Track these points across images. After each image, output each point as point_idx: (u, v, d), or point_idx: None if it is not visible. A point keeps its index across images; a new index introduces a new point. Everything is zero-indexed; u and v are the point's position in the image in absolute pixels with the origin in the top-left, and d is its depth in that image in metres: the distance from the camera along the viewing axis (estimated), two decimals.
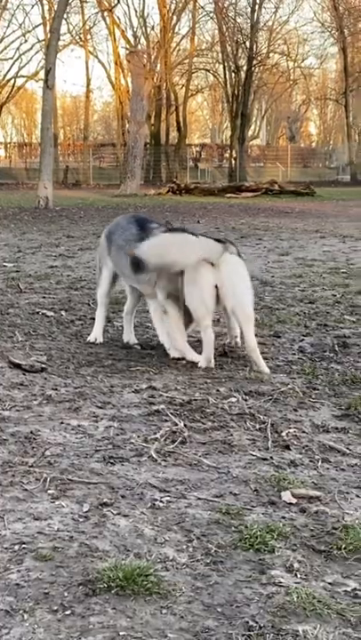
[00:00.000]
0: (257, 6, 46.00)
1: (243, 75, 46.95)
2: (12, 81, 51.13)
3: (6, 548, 2.94)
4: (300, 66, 55.88)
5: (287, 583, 2.75)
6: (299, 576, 2.80)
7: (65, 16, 33.72)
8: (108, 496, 3.41)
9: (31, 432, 4.16)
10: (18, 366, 5.40)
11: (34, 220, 19.89)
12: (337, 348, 6.13)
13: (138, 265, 5.78)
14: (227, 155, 52.56)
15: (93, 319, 7.12)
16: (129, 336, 6.33)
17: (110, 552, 2.92)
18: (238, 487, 3.55)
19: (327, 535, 3.11)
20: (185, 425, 4.31)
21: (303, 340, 6.49)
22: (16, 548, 2.94)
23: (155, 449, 3.96)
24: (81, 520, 3.19)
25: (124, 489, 3.49)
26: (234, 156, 47.73)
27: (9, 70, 50.79)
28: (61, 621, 2.49)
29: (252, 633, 2.45)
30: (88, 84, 53.63)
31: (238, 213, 22.24)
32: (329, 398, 4.92)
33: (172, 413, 4.49)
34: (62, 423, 4.34)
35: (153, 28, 50.47)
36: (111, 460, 3.81)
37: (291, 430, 4.29)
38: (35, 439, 4.07)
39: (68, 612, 2.54)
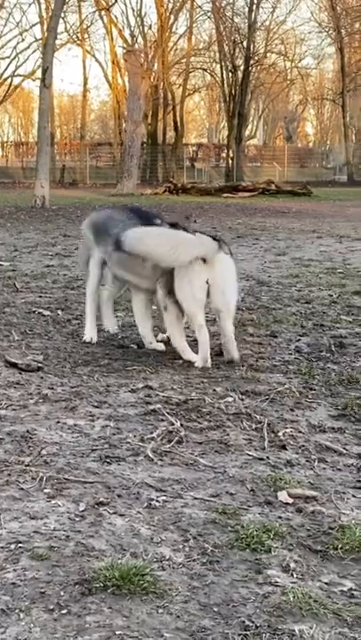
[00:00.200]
0: (254, 6, 46.11)
1: (240, 74, 46.98)
2: (9, 80, 51.14)
3: (2, 548, 2.94)
4: (298, 66, 56.06)
5: (283, 583, 2.75)
6: (295, 576, 2.80)
7: (62, 15, 33.72)
8: (105, 495, 3.40)
9: (27, 431, 4.16)
10: (14, 365, 5.39)
11: (30, 219, 19.88)
12: (333, 348, 6.13)
13: (117, 244, 5.84)
14: (224, 154, 52.58)
15: None
16: (111, 322, 6.49)
17: (106, 551, 2.92)
18: (235, 487, 3.55)
19: (324, 535, 3.11)
20: (181, 424, 4.31)
21: (300, 339, 6.49)
22: (12, 547, 2.94)
23: (151, 448, 3.95)
24: (77, 519, 3.18)
25: (121, 488, 3.49)
26: (231, 155, 47.77)
27: (6, 69, 50.88)
28: (57, 620, 2.49)
29: (248, 632, 2.45)
30: (85, 83, 53.75)
31: (235, 213, 22.25)
32: (325, 398, 4.92)
33: (168, 413, 4.49)
34: (58, 422, 4.34)
35: (150, 28, 50.54)
36: (107, 460, 3.81)
37: (287, 430, 4.29)
38: (31, 438, 4.06)
39: (64, 612, 2.54)
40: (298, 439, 4.19)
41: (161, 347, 6.06)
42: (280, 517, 3.26)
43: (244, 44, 46.59)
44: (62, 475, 3.61)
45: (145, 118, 43.01)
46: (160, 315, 6.08)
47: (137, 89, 33.37)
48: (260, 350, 6.10)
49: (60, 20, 31.70)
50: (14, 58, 49.96)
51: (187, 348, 5.79)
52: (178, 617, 2.54)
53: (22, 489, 3.46)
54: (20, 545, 2.95)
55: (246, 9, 46.39)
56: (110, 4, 44.43)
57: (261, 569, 2.84)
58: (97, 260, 6.23)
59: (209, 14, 48.69)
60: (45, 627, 2.46)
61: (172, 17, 49.29)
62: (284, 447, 4.06)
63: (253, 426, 4.37)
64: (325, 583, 2.78)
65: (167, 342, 6.16)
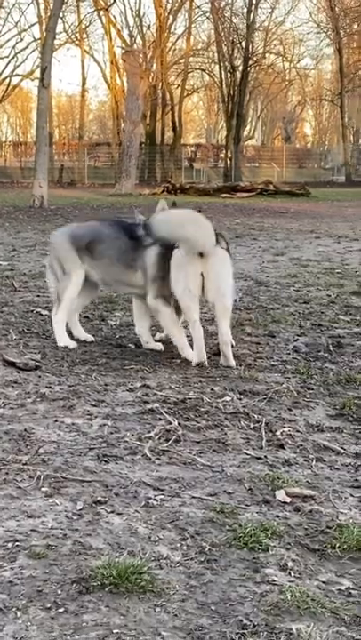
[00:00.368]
0: (253, 6, 46.11)
1: (238, 75, 47.00)
2: (8, 80, 51.09)
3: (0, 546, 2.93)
4: (296, 66, 56.02)
5: (281, 582, 2.75)
6: (293, 575, 2.80)
7: (61, 15, 33.69)
8: (102, 494, 3.40)
9: (25, 430, 4.15)
10: (12, 364, 5.39)
11: (29, 218, 19.87)
12: (331, 348, 6.14)
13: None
14: (222, 155, 52.59)
15: (87, 318, 7.15)
16: (82, 332, 6.42)
17: (104, 550, 2.91)
18: (232, 486, 3.55)
19: (321, 534, 3.11)
20: (179, 423, 4.31)
21: (298, 339, 6.49)
22: (9, 545, 2.93)
23: (149, 447, 3.95)
24: (75, 518, 3.18)
25: (118, 487, 3.48)
26: (229, 156, 47.79)
27: (4, 69, 50.82)
28: (55, 619, 2.49)
29: (245, 631, 2.45)
30: (84, 84, 53.69)
31: (233, 213, 22.25)
32: (323, 398, 4.92)
33: (166, 412, 4.49)
34: (56, 421, 4.33)
35: (149, 28, 50.59)
36: (105, 459, 3.81)
37: (285, 429, 4.29)
38: (28, 437, 4.06)
39: (61, 610, 2.53)
40: (296, 438, 4.19)
41: (159, 346, 6.06)
42: (278, 516, 3.26)
43: (243, 44, 46.62)
44: (60, 473, 3.60)
45: (143, 118, 42.99)
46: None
47: (135, 89, 33.37)
48: (258, 350, 6.10)
49: (59, 20, 31.66)
50: (13, 57, 49.93)
51: (187, 346, 5.80)
52: (175, 615, 2.53)
53: (20, 487, 3.45)
54: (17, 543, 2.95)
55: (245, 9, 46.48)
56: (109, 4, 44.43)
57: (259, 568, 2.84)
58: (80, 273, 6.20)
59: (208, 15, 48.79)
60: (42, 625, 2.45)
61: (171, 17, 49.36)
62: (281, 446, 4.06)
63: (251, 425, 4.36)
64: (323, 582, 2.77)
65: (165, 342, 6.17)
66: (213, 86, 55.39)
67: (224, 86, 48.66)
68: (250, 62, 47.02)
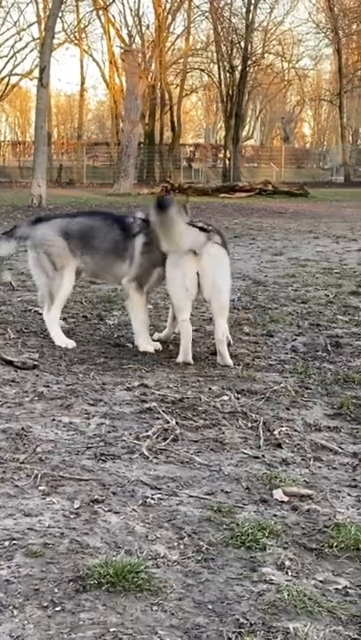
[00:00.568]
0: (252, 6, 46.04)
1: (237, 75, 46.94)
2: (7, 79, 51.02)
3: None
4: (295, 66, 55.96)
5: (278, 581, 2.74)
6: (290, 574, 2.80)
7: (60, 14, 33.63)
8: (100, 493, 3.40)
9: (22, 429, 4.15)
10: (10, 363, 5.38)
11: (27, 218, 19.81)
12: (329, 348, 6.14)
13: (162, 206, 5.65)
14: (221, 155, 52.54)
15: (85, 317, 7.16)
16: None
17: (101, 549, 2.91)
18: (230, 485, 3.55)
19: (319, 533, 3.11)
20: (177, 423, 4.31)
21: (296, 339, 6.49)
22: (6, 544, 2.93)
23: (146, 446, 3.95)
24: (72, 516, 3.18)
25: (116, 486, 3.48)
26: (228, 156, 47.73)
27: (3, 68, 50.70)
28: (51, 617, 2.49)
29: (242, 630, 2.45)
30: (82, 83, 53.58)
31: (232, 213, 22.24)
32: (321, 397, 4.92)
33: (163, 411, 4.49)
34: (54, 420, 4.33)
35: (148, 28, 50.51)
36: (102, 457, 3.81)
37: (283, 429, 4.29)
38: (26, 436, 4.05)
39: (58, 609, 2.53)
40: (293, 438, 4.19)
41: (157, 346, 6.05)
42: (275, 515, 3.26)
43: (242, 44, 46.57)
44: (57, 472, 3.60)
45: (142, 118, 42.96)
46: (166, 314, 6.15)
47: (134, 89, 33.35)
48: (256, 349, 6.10)
49: (58, 20, 31.62)
50: (12, 57, 49.82)
51: (147, 339, 5.99)
52: (172, 614, 2.53)
53: (17, 486, 3.45)
54: (14, 542, 2.95)
55: (244, 9, 46.39)
56: (108, 3, 44.39)
57: (256, 567, 2.84)
58: (73, 268, 6.21)
59: (207, 14, 48.71)
60: (39, 623, 2.45)
61: (170, 17, 49.29)
62: (279, 446, 4.06)
63: (249, 424, 4.36)
64: (320, 581, 2.77)
65: (163, 342, 6.17)
66: (212, 86, 55.34)
67: (223, 86, 48.62)
68: (249, 62, 46.97)
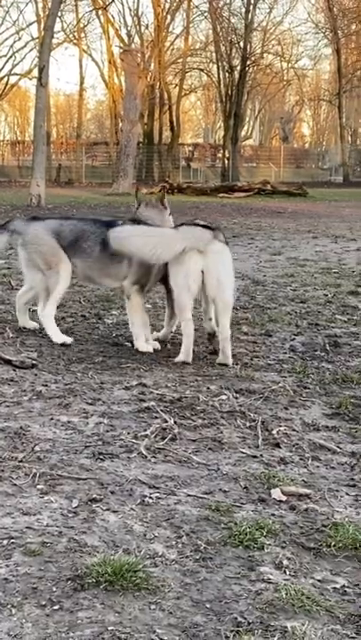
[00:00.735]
0: (251, 6, 46.06)
1: (236, 75, 46.94)
2: (6, 78, 51.02)
3: None
4: (294, 66, 55.95)
5: (276, 580, 2.75)
6: (288, 573, 2.80)
7: (59, 14, 33.63)
8: (98, 492, 3.40)
9: (21, 427, 4.15)
10: (8, 362, 5.38)
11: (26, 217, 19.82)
12: (328, 348, 6.14)
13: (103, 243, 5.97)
14: (219, 154, 52.53)
15: (84, 316, 7.16)
16: (25, 321, 6.58)
17: (99, 547, 2.91)
18: (228, 484, 3.55)
19: (317, 532, 3.11)
20: (175, 422, 4.31)
21: (294, 339, 6.49)
22: (4, 542, 2.93)
23: (145, 445, 3.95)
24: (70, 515, 3.18)
25: (114, 485, 3.48)
26: (227, 155, 47.73)
27: (2, 67, 50.69)
28: (50, 616, 2.49)
29: (240, 629, 2.45)
30: (81, 83, 53.60)
31: (231, 213, 22.24)
32: (320, 397, 4.92)
33: (162, 410, 4.49)
34: (52, 419, 4.33)
35: (147, 27, 50.49)
36: (101, 456, 3.81)
37: (281, 428, 4.29)
38: (24, 435, 4.05)
39: (56, 607, 2.53)
40: (292, 437, 4.19)
41: (156, 345, 6.06)
42: (273, 515, 3.26)
43: (241, 44, 46.58)
44: (55, 471, 3.60)
45: (141, 118, 42.93)
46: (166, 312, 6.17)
47: (133, 88, 33.34)
48: (254, 349, 6.10)
49: (57, 19, 31.62)
50: (11, 56, 49.89)
51: (142, 339, 5.97)
52: (170, 613, 2.53)
53: (15, 485, 3.45)
54: (12, 540, 2.95)
55: (243, 9, 46.42)
56: (107, 3, 44.34)
57: (254, 566, 2.84)
58: (68, 267, 6.22)
59: (206, 14, 48.73)
60: (37, 622, 2.45)
61: (169, 17, 49.28)
62: (277, 445, 4.06)
63: (247, 424, 4.37)
64: (318, 580, 2.78)
65: (161, 341, 6.18)
66: (211, 86, 55.34)
67: (222, 86, 48.61)
68: (248, 62, 46.97)
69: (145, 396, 4.80)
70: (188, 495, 3.41)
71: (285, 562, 2.87)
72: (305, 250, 13.20)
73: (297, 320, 7.21)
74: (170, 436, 4.11)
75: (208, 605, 2.58)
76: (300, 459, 3.91)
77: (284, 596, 2.63)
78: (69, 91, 71.95)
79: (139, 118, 37.63)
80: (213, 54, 49.26)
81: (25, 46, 50.39)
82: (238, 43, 46.77)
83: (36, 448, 3.88)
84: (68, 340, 6.07)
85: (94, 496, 3.35)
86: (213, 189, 33.03)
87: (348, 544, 3.00)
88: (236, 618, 2.51)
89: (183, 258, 5.57)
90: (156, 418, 4.38)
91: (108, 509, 3.24)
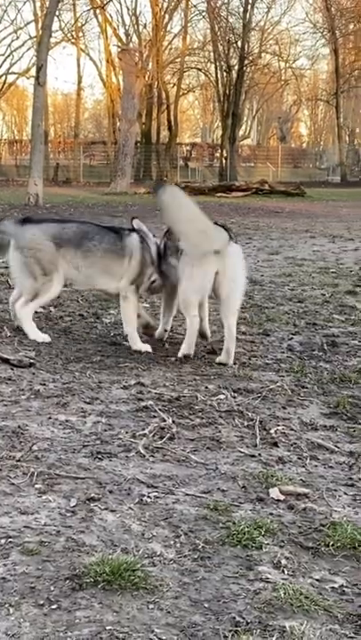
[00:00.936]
0: (249, 6, 46.05)
1: (234, 74, 46.94)
2: (4, 77, 51.02)
3: None
4: (292, 66, 55.97)
5: (274, 579, 2.74)
6: (286, 572, 2.80)
7: (57, 13, 33.63)
8: (96, 491, 3.39)
9: (19, 427, 4.14)
10: (6, 361, 5.37)
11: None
12: (326, 347, 6.14)
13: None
14: (217, 154, 52.53)
15: (82, 315, 7.16)
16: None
17: (97, 547, 2.91)
18: (226, 483, 3.55)
19: (315, 532, 3.11)
20: (173, 421, 4.30)
21: (292, 338, 6.49)
22: (2, 541, 2.93)
23: (143, 445, 3.95)
24: (68, 515, 3.17)
25: (112, 484, 3.48)
26: (224, 155, 47.74)
27: (0, 66, 50.71)
28: (47, 615, 2.48)
29: (238, 628, 2.44)
30: (79, 82, 53.64)
31: (229, 213, 22.23)
32: (318, 396, 4.92)
33: (160, 409, 4.48)
34: (50, 418, 4.32)
35: (145, 27, 50.41)
36: (99, 456, 3.80)
37: (279, 428, 4.29)
38: (22, 434, 4.05)
39: (54, 607, 2.53)
40: (290, 437, 4.19)
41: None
42: (271, 514, 3.26)
43: (239, 43, 46.57)
44: (53, 470, 3.60)
45: (139, 117, 42.95)
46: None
47: (131, 88, 33.35)
48: (252, 348, 6.10)
49: (55, 19, 31.63)
50: (9, 55, 49.86)
51: (137, 338, 5.97)
52: (168, 612, 2.53)
53: (13, 484, 3.45)
54: (10, 540, 2.94)
55: (241, 9, 46.39)
56: (105, 2, 44.35)
57: (252, 565, 2.83)
58: (62, 274, 6.20)
59: (204, 14, 48.68)
60: (35, 622, 2.45)
61: (167, 16, 49.21)
62: (275, 444, 4.06)
63: (245, 423, 4.36)
64: (316, 580, 2.77)
65: (158, 340, 6.18)
66: (209, 85, 55.31)
67: (220, 86, 48.60)
68: (246, 62, 46.97)
69: (143, 395, 4.79)
70: (187, 494, 3.41)
71: (284, 561, 2.86)
72: (303, 249, 13.20)
73: (295, 319, 7.21)
74: (168, 435, 4.10)
75: (206, 605, 2.58)
76: (299, 458, 3.90)
77: (282, 595, 2.62)
78: (67, 90, 72.27)
79: (137, 118, 37.66)
80: (211, 54, 49.24)
81: (23, 45, 50.35)
82: (236, 42, 46.76)
83: (34, 447, 3.87)
84: (46, 338, 6.08)
85: (92, 495, 3.34)
86: (211, 189, 33.01)
87: (347, 543, 3.00)
88: (234, 617, 2.51)
89: (201, 259, 5.55)
90: (155, 417, 4.38)
91: (106, 509, 3.24)
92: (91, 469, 3.64)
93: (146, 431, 4.13)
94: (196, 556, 2.88)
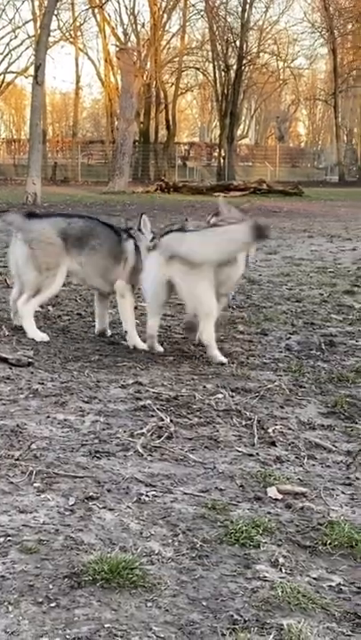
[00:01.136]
0: (248, 5, 46.12)
1: (232, 74, 46.99)
2: (2, 77, 50.99)
3: None
4: (290, 66, 56.11)
5: (272, 578, 2.75)
6: (284, 571, 2.81)
7: (55, 12, 33.65)
8: (94, 490, 3.40)
9: (17, 426, 4.15)
10: (5, 360, 5.38)
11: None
12: (323, 347, 6.15)
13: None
14: (215, 153, 52.59)
15: (80, 314, 7.16)
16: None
17: (96, 545, 2.92)
18: (224, 482, 3.56)
19: (312, 531, 3.12)
20: (171, 420, 4.31)
21: (290, 338, 6.50)
22: (1, 540, 2.93)
23: (141, 444, 3.95)
24: (67, 513, 3.18)
25: (110, 483, 3.49)
26: (223, 154, 47.78)
27: None
28: (46, 613, 2.49)
29: (236, 626, 2.45)
30: (78, 81, 53.69)
31: None
32: (315, 396, 4.93)
33: (158, 409, 4.49)
34: (48, 417, 4.33)
35: (143, 26, 50.47)
36: (97, 455, 3.81)
37: (277, 427, 4.30)
38: (21, 433, 4.06)
39: (52, 605, 2.54)
40: (287, 436, 4.20)
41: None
42: (269, 513, 3.27)
43: (237, 43, 46.60)
44: (52, 469, 3.60)
45: (137, 116, 42.96)
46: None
47: (129, 87, 33.34)
48: (250, 348, 6.11)
49: (53, 18, 31.66)
50: (7, 55, 49.89)
51: (136, 336, 6.04)
52: (166, 611, 2.54)
53: (12, 483, 3.45)
54: (9, 538, 2.95)
55: (239, 8, 46.50)
56: (103, 1, 44.35)
57: (250, 564, 2.84)
58: (64, 271, 6.24)
59: (202, 13, 48.74)
60: (34, 619, 2.46)
61: (166, 15, 49.26)
62: (273, 444, 4.07)
63: (243, 422, 4.37)
64: (314, 578, 2.78)
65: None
66: (207, 85, 55.36)
67: (218, 85, 48.64)
68: (244, 61, 47.02)
69: (141, 394, 4.80)
70: (185, 493, 3.42)
71: (281, 560, 2.87)
72: (301, 249, 13.21)
73: (293, 319, 7.22)
74: (166, 434, 4.11)
75: (204, 603, 2.59)
76: (296, 457, 3.91)
77: (280, 593, 2.64)
78: (65, 89, 72.29)
79: (135, 117, 37.67)
80: (210, 53, 49.30)
81: (21, 44, 50.42)
82: (234, 42, 46.80)
83: (33, 446, 3.88)
84: (45, 337, 6.10)
85: (91, 494, 3.35)
86: (209, 188, 33.02)
87: (344, 542, 3.01)
88: (232, 615, 2.52)
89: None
90: (153, 416, 4.38)
91: (104, 507, 3.25)
92: (89, 468, 3.64)
93: (144, 430, 4.14)
94: (194, 555, 2.89)
